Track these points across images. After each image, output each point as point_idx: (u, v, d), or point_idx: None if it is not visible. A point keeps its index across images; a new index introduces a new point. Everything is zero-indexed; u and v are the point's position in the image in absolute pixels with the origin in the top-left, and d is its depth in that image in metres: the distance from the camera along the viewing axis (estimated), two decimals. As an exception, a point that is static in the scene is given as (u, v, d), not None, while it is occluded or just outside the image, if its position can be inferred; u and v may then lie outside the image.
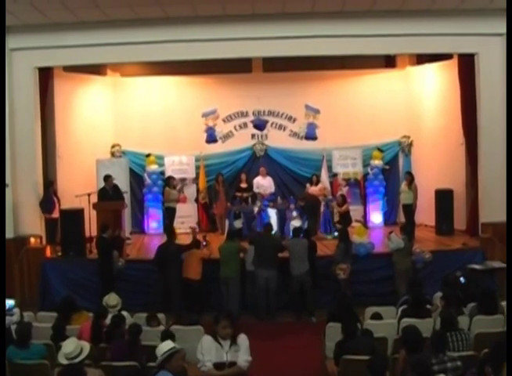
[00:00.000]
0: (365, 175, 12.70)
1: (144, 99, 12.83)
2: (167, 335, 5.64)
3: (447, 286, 7.26)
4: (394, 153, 12.97)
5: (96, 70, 12.34)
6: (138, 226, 12.71)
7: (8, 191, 9.81)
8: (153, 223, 12.52)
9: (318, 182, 11.84)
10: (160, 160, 12.61)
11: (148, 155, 12.53)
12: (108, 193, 10.30)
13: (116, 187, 10.49)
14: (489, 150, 10.17)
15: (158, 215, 12.43)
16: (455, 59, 11.01)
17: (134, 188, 12.69)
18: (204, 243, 9.57)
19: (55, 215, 10.39)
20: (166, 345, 4.52)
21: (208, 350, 4.74)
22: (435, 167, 11.94)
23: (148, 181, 12.48)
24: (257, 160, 12.83)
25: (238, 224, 11.23)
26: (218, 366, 4.71)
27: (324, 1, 9.29)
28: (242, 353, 4.76)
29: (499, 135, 9.86)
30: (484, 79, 10.16)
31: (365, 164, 12.71)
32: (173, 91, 12.96)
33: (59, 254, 9.93)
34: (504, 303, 6.35)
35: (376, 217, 12.64)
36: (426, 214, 11.57)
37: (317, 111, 12.86)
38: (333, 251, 9.17)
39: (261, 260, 8.76)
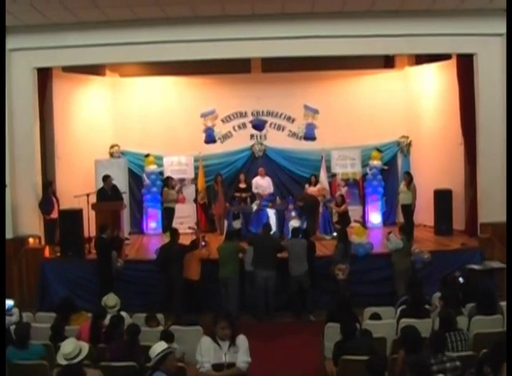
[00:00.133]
0: (364, 176, 12.71)
1: (143, 100, 12.82)
2: (166, 335, 5.65)
3: (446, 286, 7.28)
4: (392, 153, 12.98)
5: (95, 70, 12.32)
6: (137, 227, 12.72)
7: (7, 192, 9.78)
8: (152, 223, 12.52)
9: (317, 182, 11.85)
10: (158, 160, 12.62)
11: (147, 155, 12.53)
12: (107, 194, 10.30)
13: (115, 187, 10.49)
14: (488, 150, 10.18)
15: (157, 215, 12.44)
16: (453, 59, 11.01)
17: (133, 188, 12.68)
18: (203, 243, 9.55)
19: (54, 215, 10.38)
20: (159, 346, 4.50)
21: (207, 351, 4.69)
22: (434, 167, 11.94)
23: (147, 181, 12.48)
24: (256, 161, 12.82)
25: (237, 224, 11.24)
26: (217, 367, 4.66)
27: (324, 2, 9.30)
28: (241, 354, 4.70)
29: (498, 135, 9.89)
30: (483, 79, 10.18)
31: (364, 165, 12.71)
32: (172, 91, 12.95)
33: (58, 254, 9.93)
34: (503, 303, 6.35)
35: (375, 217, 12.65)
36: (425, 214, 11.57)
37: (316, 111, 12.87)
38: (332, 252, 9.16)
39: (260, 260, 8.75)
